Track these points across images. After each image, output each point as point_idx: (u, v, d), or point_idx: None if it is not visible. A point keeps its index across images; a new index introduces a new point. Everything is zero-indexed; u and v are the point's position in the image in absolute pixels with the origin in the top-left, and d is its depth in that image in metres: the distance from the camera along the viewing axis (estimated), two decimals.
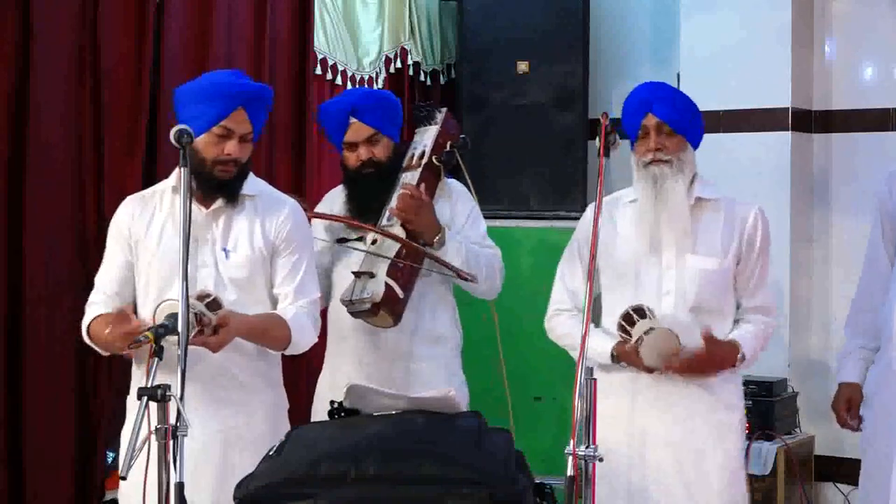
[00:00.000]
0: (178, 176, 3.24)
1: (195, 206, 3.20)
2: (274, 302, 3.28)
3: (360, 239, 3.72)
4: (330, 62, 5.12)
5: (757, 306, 3.50)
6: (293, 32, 4.79)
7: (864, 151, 5.26)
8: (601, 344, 3.42)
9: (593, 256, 3.11)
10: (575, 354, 3.53)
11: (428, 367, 3.72)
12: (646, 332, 3.28)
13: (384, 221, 3.70)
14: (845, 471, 4.01)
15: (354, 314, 3.63)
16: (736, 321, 3.50)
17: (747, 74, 5.32)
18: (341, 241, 3.76)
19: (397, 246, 3.60)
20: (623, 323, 3.34)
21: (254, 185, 3.31)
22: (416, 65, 5.58)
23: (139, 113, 4.09)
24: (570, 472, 2.79)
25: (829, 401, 3.91)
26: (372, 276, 3.58)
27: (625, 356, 3.38)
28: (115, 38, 4.02)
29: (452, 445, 2.57)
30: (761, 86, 5.34)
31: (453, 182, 3.90)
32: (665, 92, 3.49)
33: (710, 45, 5.44)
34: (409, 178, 3.76)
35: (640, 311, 3.33)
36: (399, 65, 5.49)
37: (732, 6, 5.42)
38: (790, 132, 5.35)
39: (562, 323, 3.56)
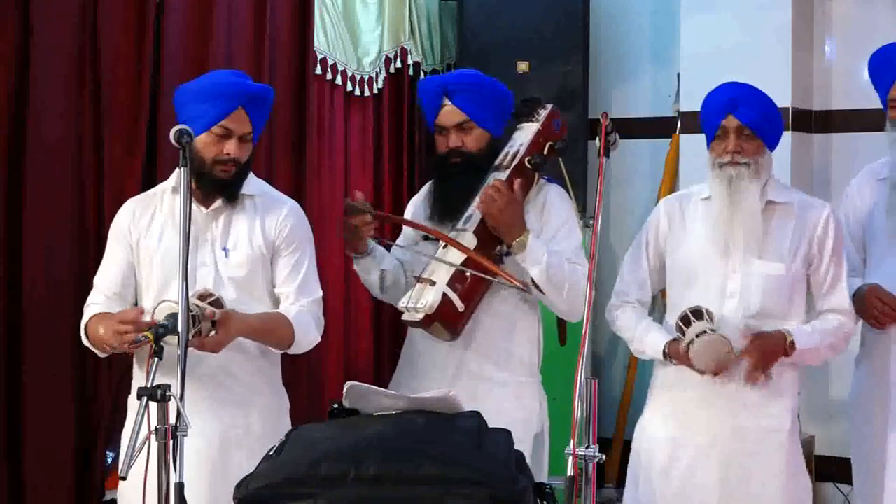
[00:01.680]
0: (177, 176, 3.25)
1: (195, 206, 3.20)
2: (275, 301, 3.28)
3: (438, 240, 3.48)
4: (330, 62, 5.12)
5: (830, 308, 3.47)
6: (293, 32, 4.79)
7: (864, 151, 5.25)
8: (655, 340, 3.45)
9: (593, 256, 3.11)
10: (633, 347, 3.55)
11: (494, 389, 3.46)
12: (697, 336, 3.29)
13: (461, 223, 3.45)
14: (845, 471, 4.01)
15: (408, 323, 3.44)
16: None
17: (747, 74, 5.25)
18: (427, 238, 3.56)
19: (465, 255, 3.36)
20: (680, 324, 3.35)
21: (254, 184, 3.31)
22: (416, 65, 5.58)
23: (139, 113, 4.09)
24: (570, 472, 2.80)
25: (829, 401, 3.92)
26: (432, 283, 3.36)
27: (676, 355, 3.39)
28: (115, 38, 4.01)
29: (452, 445, 2.57)
30: (761, 86, 5.27)
31: (552, 188, 3.57)
32: (749, 94, 3.44)
33: (710, 45, 5.43)
34: (497, 178, 3.45)
35: (698, 313, 3.33)
36: (399, 65, 5.49)
37: (732, 6, 5.42)
38: (790, 132, 5.34)
39: (623, 315, 3.55)
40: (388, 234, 4.66)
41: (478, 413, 2.73)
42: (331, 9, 5.12)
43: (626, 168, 5.78)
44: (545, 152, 3.52)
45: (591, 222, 3.62)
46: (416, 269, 3.53)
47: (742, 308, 3.39)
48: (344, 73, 5.20)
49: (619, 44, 5.93)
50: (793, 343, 3.37)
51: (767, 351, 3.35)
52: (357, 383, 2.84)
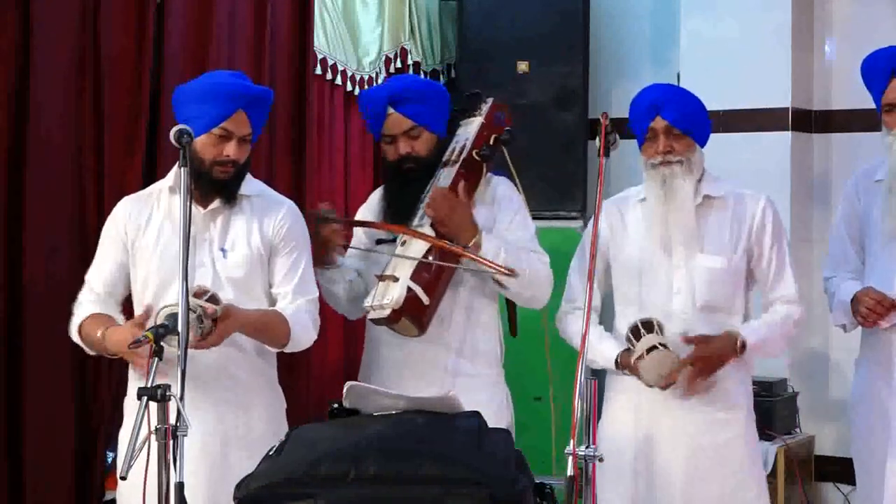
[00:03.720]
0: (175, 176, 3.25)
1: (194, 207, 3.20)
2: (272, 302, 3.28)
3: (396, 240, 3.49)
4: (330, 62, 5.12)
5: (779, 297, 3.52)
6: (293, 32, 4.78)
7: (864, 151, 5.24)
8: (608, 350, 3.47)
9: (593, 256, 3.12)
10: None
11: (464, 383, 3.42)
12: (647, 351, 3.31)
13: (416, 221, 3.46)
14: (845, 471, 4.02)
15: (375, 321, 3.44)
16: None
17: (747, 74, 5.32)
18: (380, 241, 3.58)
19: (425, 248, 3.37)
20: (630, 335, 3.38)
21: (251, 185, 3.32)
22: (417, 65, 5.58)
23: (139, 113, 4.08)
24: (570, 472, 2.80)
25: (829, 401, 3.93)
26: (395, 279, 3.36)
27: (627, 367, 3.43)
28: (115, 38, 4.01)
29: (452, 445, 2.57)
30: (761, 86, 5.34)
31: (499, 180, 3.61)
32: (673, 94, 3.50)
33: (710, 45, 5.44)
34: (446, 174, 3.48)
35: (649, 325, 3.36)
36: (399, 65, 5.49)
37: (732, 6, 5.42)
38: (790, 132, 5.35)
39: (573, 322, 3.56)
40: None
41: (478, 413, 2.74)
42: (331, 9, 5.12)
43: (626, 168, 5.75)
44: (491, 144, 3.53)
45: (591, 222, 3.62)
46: (375, 272, 3.51)
47: (689, 302, 3.43)
48: (344, 73, 5.20)
49: (619, 44, 5.93)
50: (743, 343, 3.40)
51: (713, 356, 3.39)
52: (357, 383, 2.84)
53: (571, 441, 2.81)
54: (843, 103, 5.46)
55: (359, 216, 3.77)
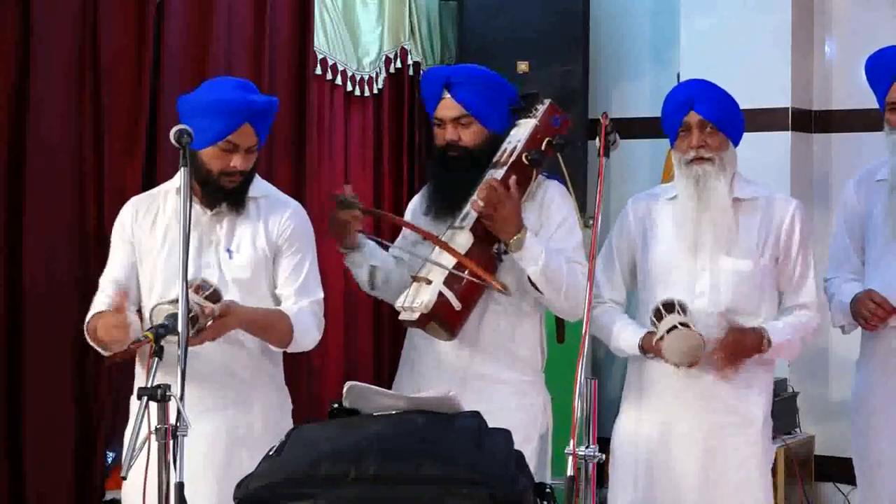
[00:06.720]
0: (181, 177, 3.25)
1: (200, 208, 3.20)
2: (277, 303, 3.28)
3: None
4: (330, 62, 5.12)
5: (798, 304, 3.50)
6: (293, 32, 4.79)
7: (865, 151, 5.26)
8: (630, 336, 3.46)
9: (593, 256, 3.11)
10: (611, 346, 3.56)
11: (498, 389, 3.40)
12: (669, 330, 3.30)
13: (458, 221, 3.38)
14: (845, 471, 4.02)
15: (404, 323, 3.39)
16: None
17: (747, 74, 5.31)
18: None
19: (464, 249, 3.29)
20: (653, 318, 3.37)
21: (258, 186, 3.31)
22: (417, 65, 5.58)
23: (139, 113, 4.09)
24: (570, 472, 2.80)
25: (829, 401, 3.93)
26: (428, 282, 3.28)
27: (650, 349, 3.40)
28: (115, 38, 4.01)
29: (452, 445, 2.57)
30: (761, 86, 5.34)
31: (552, 184, 3.50)
32: (708, 90, 3.47)
33: (710, 45, 5.44)
34: (495, 176, 3.36)
35: (670, 306, 3.34)
36: (399, 65, 5.49)
37: (732, 6, 5.43)
38: (790, 132, 5.35)
39: (599, 315, 3.55)
40: (383, 232, 4.65)
41: (478, 413, 2.73)
42: (331, 9, 5.12)
43: (626, 168, 5.78)
44: (543, 148, 3.45)
45: (591, 222, 3.61)
46: (415, 268, 3.47)
47: (712, 305, 3.41)
48: (344, 73, 5.20)
49: (619, 44, 5.93)
50: (769, 341, 3.39)
51: (742, 346, 3.37)
52: (357, 383, 2.84)
53: (571, 441, 2.81)
54: (843, 103, 5.46)
55: (409, 205, 3.70)
